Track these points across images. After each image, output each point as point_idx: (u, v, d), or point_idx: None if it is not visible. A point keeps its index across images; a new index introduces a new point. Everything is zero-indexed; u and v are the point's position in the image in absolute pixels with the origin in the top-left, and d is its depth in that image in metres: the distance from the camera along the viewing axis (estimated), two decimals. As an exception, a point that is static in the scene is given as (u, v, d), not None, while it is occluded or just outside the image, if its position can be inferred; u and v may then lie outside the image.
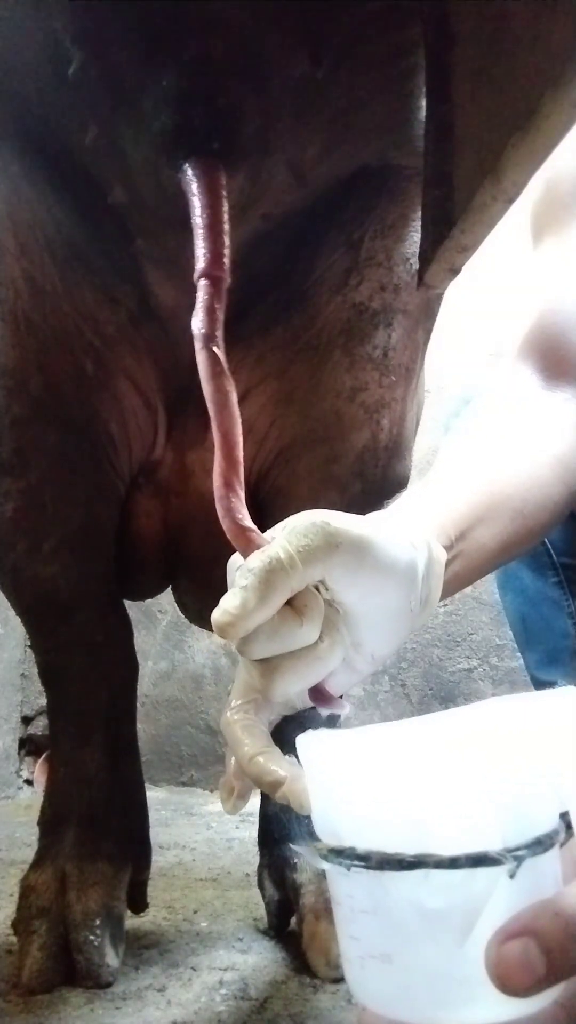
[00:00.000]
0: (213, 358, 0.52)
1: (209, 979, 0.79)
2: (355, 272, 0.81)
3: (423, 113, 0.64)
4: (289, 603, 0.49)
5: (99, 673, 0.90)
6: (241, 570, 0.48)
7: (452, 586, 0.63)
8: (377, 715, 2.01)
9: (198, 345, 0.53)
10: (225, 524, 0.51)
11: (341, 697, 0.53)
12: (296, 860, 0.87)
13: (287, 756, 0.45)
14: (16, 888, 0.85)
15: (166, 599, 1.71)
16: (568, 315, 0.82)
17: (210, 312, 0.53)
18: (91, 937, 0.78)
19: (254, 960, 0.84)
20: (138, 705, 0.99)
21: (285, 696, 0.50)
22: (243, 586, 0.47)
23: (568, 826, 0.35)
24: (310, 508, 0.53)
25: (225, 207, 0.56)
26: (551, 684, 1.30)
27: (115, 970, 0.78)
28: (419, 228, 0.66)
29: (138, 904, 0.92)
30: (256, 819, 0.96)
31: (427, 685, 2.04)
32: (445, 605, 0.64)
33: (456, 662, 2.03)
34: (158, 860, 1.06)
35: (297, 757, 0.41)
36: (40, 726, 2.09)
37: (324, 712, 0.51)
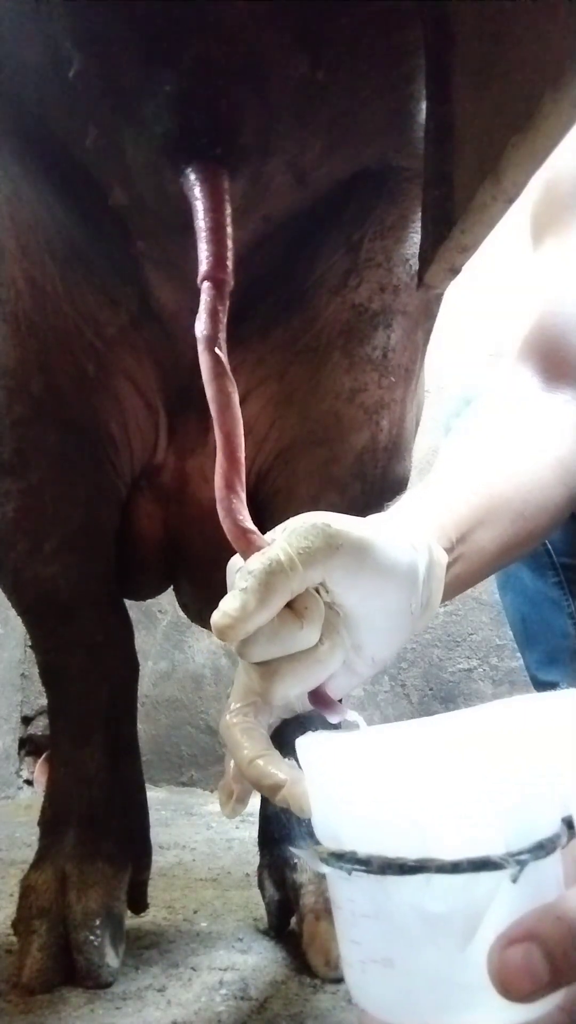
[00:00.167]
0: (216, 360, 0.52)
1: (209, 979, 0.79)
2: (355, 273, 0.81)
3: (423, 115, 0.64)
4: (289, 605, 0.49)
5: (99, 673, 0.90)
6: (241, 572, 0.48)
7: (453, 588, 0.62)
8: (377, 715, 2.01)
9: (201, 347, 0.53)
10: (226, 525, 0.51)
11: (341, 700, 0.53)
12: (296, 860, 0.87)
13: (287, 759, 0.45)
14: (16, 888, 0.85)
15: (166, 599, 1.72)
16: (568, 316, 0.81)
17: (213, 315, 0.53)
18: (91, 937, 0.78)
19: (254, 960, 0.84)
20: (138, 705, 0.99)
21: (285, 699, 0.50)
22: (243, 588, 0.47)
23: (570, 829, 0.35)
24: (310, 509, 0.53)
25: (228, 210, 0.56)
26: (551, 684, 1.31)
27: (115, 970, 0.78)
28: (419, 229, 0.66)
29: (138, 904, 0.92)
30: (256, 819, 0.96)
31: (427, 685, 2.03)
32: (445, 606, 0.65)
33: (456, 662, 2.03)
34: (158, 860, 1.06)
35: (297, 760, 0.41)
36: (40, 726, 2.09)
37: (334, 720, 0.51)
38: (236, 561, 0.53)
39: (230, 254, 0.55)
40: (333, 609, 0.51)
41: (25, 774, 2.08)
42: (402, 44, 0.63)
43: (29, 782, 2.06)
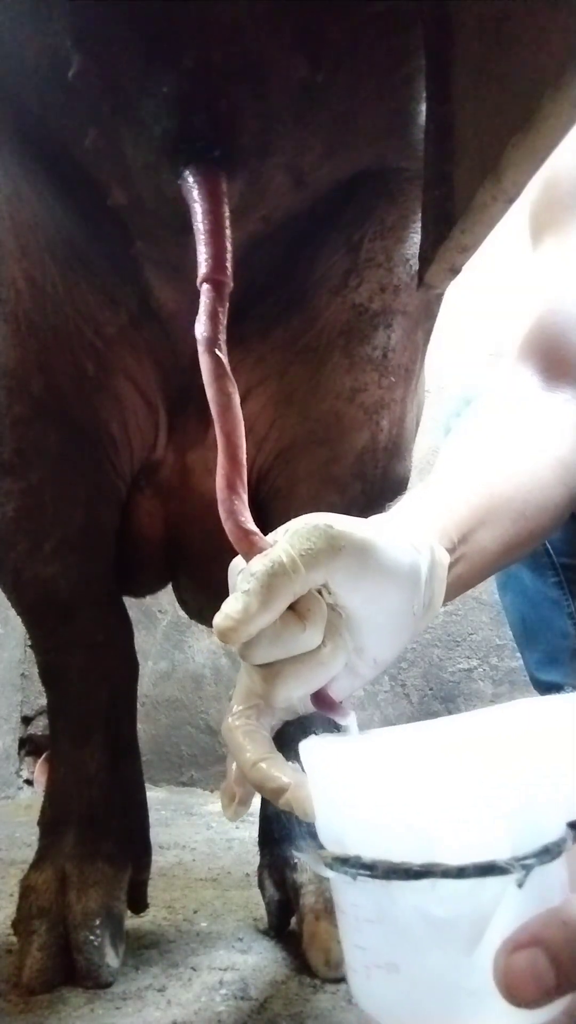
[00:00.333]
0: (216, 361, 0.53)
1: (209, 979, 0.79)
2: (355, 273, 0.81)
3: (423, 117, 0.64)
4: (291, 607, 0.49)
5: (99, 673, 0.90)
6: (243, 574, 0.48)
7: (454, 589, 0.62)
8: (377, 715, 2.01)
9: (201, 349, 0.53)
10: (228, 527, 0.51)
11: (342, 703, 0.53)
12: (296, 860, 0.87)
13: (290, 762, 0.45)
14: (16, 888, 0.85)
15: (166, 599, 1.71)
16: (568, 315, 0.81)
17: (213, 316, 0.53)
18: (91, 937, 0.78)
19: (254, 960, 0.84)
20: (138, 705, 0.99)
21: (287, 701, 0.50)
22: (245, 590, 0.47)
23: (576, 833, 0.35)
24: (310, 509, 0.53)
25: (226, 212, 0.56)
26: (551, 684, 1.31)
27: (115, 970, 0.78)
28: (419, 229, 0.66)
29: (138, 904, 0.92)
30: (256, 819, 0.96)
31: (427, 685, 2.04)
32: (445, 606, 0.64)
33: (456, 662, 2.03)
34: (158, 860, 1.06)
35: (299, 763, 0.41)
36: (40, 726, 2.09)
37: (343, 722, 0.51)
38: (238, 563, 0.52)
39: (229, 255, 0.55)
40: (335, 611, 0.51)
41: (25, 774, 2.08)
42: (402, 46, 0.63)
43: (29, 782, 2.06)
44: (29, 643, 1.94)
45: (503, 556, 0.69)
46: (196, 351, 0.54)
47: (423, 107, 0.64)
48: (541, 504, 0.71)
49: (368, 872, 0.34)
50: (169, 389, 0.87)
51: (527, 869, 0.32)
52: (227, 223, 0.56)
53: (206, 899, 1.07)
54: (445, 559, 0.59)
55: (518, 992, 0.31)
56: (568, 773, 0.34)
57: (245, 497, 0.51)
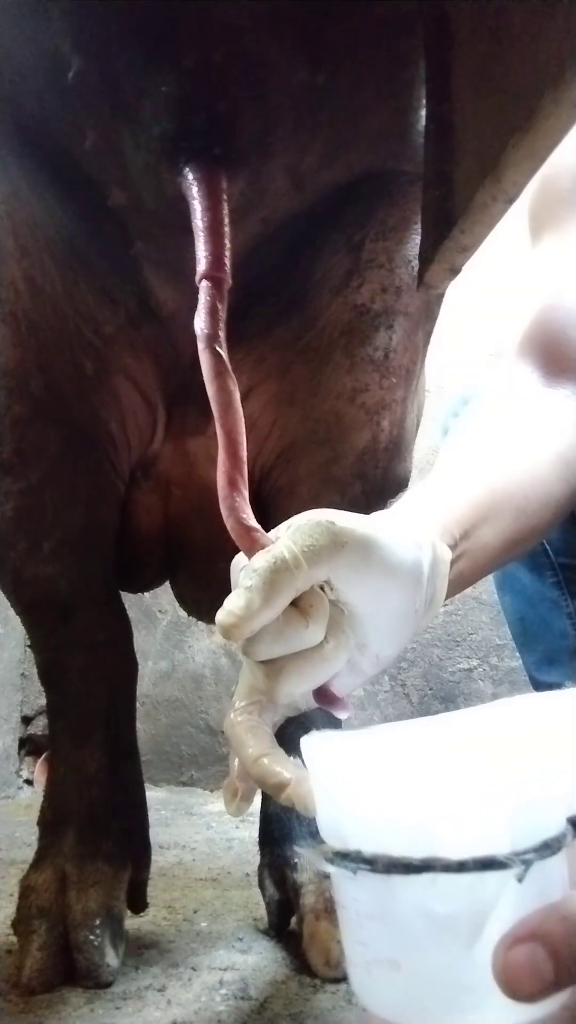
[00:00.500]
0: (216, 358, 0.53)
1: (209, 979, 0.79)
2: (356, 274, 0.81)
3: (423, 121, 0.64)
4: (294, 604, 0.49)
5: (99, 673, 0.90)
6: (245, 570, 0.48)
7: (456, 586, 0.63)
8: (377, 715, 2.01)
9: (201, 346, 0.53)
10: (229, 524, 0.51)
11: (344, 699, 0.53)
12: (296, 860, 0.87)
13: (291, 758, 0.45)
14: (16, 888, 0.85)
15: (166, 599, 1.71)
16: (567, 312, 0.82)
17: (212, 313, 0.53)
18: (91, 937, 0.78)
19: (254, 960, 0.84)
20: (138, 705, 0.99)
21: (290, 697, 0.50)
22: (247, 587, 0.47)
23: (575, 828, 0.35)
24: (311, 509, 0.53)
25: (226, 209, 0.56)
26: (550, 684, 1.31)
27: (115, 970, 0.78)
28: (420, 230, 0.66)
29: (138, 904, 0.92)
30: (256, 819, 0.96)
31: (427, 685, 2.04)
32: (445, 605, 0.65)
33: (456, 662, 2.03)
34: (158, 860, 1.06)
35: (301, 758, 0.41)
36: (40, 726, 2.09)
37: (342, 715, 0.51)
38: (240, 559, 0.53)
39: (228, 253, 0.55)
40: (338, 607, 0.51)
41: (25, 774, 2.07)
42: (402, 51, 0.63)
43: (29, 782, 2.06)
44: (29, 643, 1.93)
45: (504, 552, 0.69)
46: (196, 351, 0.54)
47: (423, 111, 0.64)
48: (542, 500, 0.71)
49: (368, 867, 0.34)
50: (169, 388, 0.87)
51: (527, 864, 0.32)
52: (226, 221, 0.56)
53: (206, 899, 1.07)
54: (447, 555, 0.59)
55: (517, 986, 0.31)
56: (568, 768, 0.34)
57: (246, 494, 0.52)
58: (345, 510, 0.54)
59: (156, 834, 1.00)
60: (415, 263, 0.79)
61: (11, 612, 0.96)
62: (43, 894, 0.81)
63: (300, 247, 0.80)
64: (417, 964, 0.34)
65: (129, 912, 0.88)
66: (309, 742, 0.40)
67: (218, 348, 0.53)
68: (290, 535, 0.49)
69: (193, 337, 0.54)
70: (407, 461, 0.91)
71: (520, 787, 0.34)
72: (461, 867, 0.32)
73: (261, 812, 0.95)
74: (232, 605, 0.47)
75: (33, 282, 0.80)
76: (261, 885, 0.92)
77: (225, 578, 0.55)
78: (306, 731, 0.41)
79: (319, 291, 0.82)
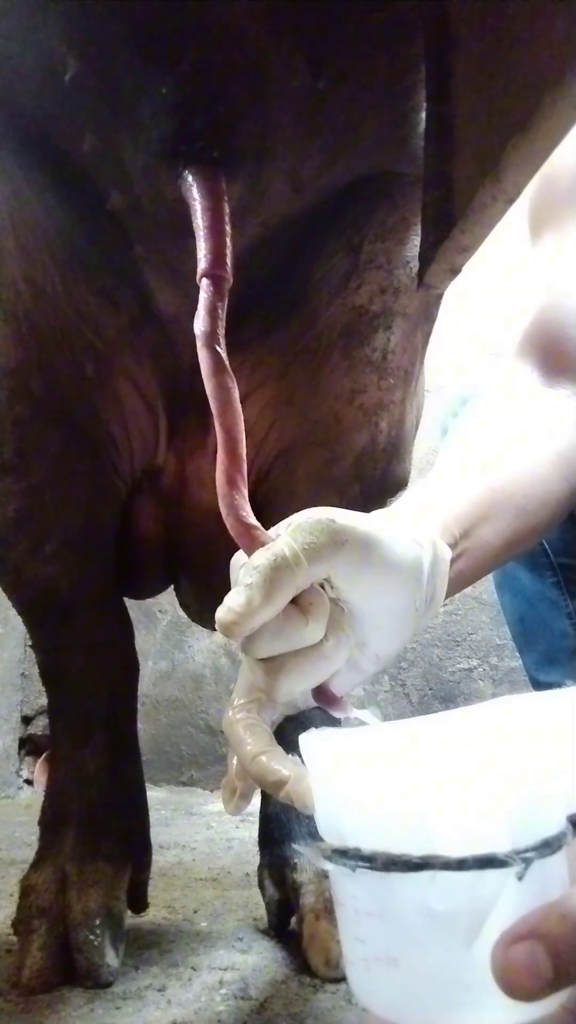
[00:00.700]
0: (215, 356, 0.53)
1: (209, 979, 0.79)
2: (355, 275, 0.81)
3: (423, 125, 0.64)
4: (294, 601, 0.49)
5: (99, 673, 0.90)
6: (245, 568, 0.48)
7: (456, 585, 0.63)
8: (377, 715, 2.01)
9: (200, 343, 0.53)
10: (229, 522, 0.51)
11: (343, 698, 0.53)
12: (296, 860, 0.87)
13: (290, 756, 0.45)
14: (16, 888, 0.85)
15: (166, 599, 1.71)
16: (567, 311, 0.82)
17: (212, 311, 0.53)
18: (91, 937, 0.78)
19: (254, 960, 0.84)
20: (138, 705, 0.99)
21: (290, 696, 0.50)
22: (248, 584, 0.47)
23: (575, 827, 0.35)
24: (310, 509, 0.53)
25: (226, 209, 0.56)
26: (550, 684, 1.30)
27: (115, 970, 0.78)
28: (419, 231, 0.66)
29: (138, 904, 0.92)
30: (256, 819, 0.96)
31: (427, 685, 2.04)
32: (445, 605, 0.65)
33: (456, 662, 2.03)
34: (158, 860, 1.06)
35: (300, 757, 0.41)
36: (40, 726, 2.09)
37: (340, 714, 0.51)
38: (240, 557, 0.53)
39: (229, 252, 0.55)
40: (338, 605, 0.51)
41: (25, 774, 2.08)
42: (403, 57, 0.63)
43: (29, 782, 2.06)
44: (29, 643, 1.94)
45: (504, 551, 0.69)
46: (196, 354, 0.54)
47: (423, 113, 0.64)
48: (542, 499, 0.71)
49: (367, 864, 0.34)
50: (169, 391, 0.87)
51: (527, 862, 0.32)
52: (227, 220, 0.56)
53: (206, 899, 1.07)
54: (447, 554, 0.59)
55: (516, 985, 0.31)
56: (568, 767, 0.34)
57: (245, 492, 0.52)
58: None
59: (156, 834, 1.00)
60: (414, 264, 0.79)
61: (11, 612, 0.96)
62: (43, 894, 0.81)
63: (299, 249, 0.80)
64: (416, 962, 0.34)
65: (129, 912, 0.88)
66: (308, 740, 0.39)
67: (217, 347, 0.53)
68: (290, 533, 0.49)
69: (193, 341, 0.54)
70: (406, 462, 0.91)
71: (520, 785, 0.34)
72: (461, 865, 0.32)
73: (261, 812, 0.95)
74: (232, 602, 0.47)
75: (34, 283, 0.80)
76: (261, 885, 0.93)
77: (227, 586, 0.55)
78: (305, 730, 0.41)
79: (318, 292, 0.82)
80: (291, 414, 0.86)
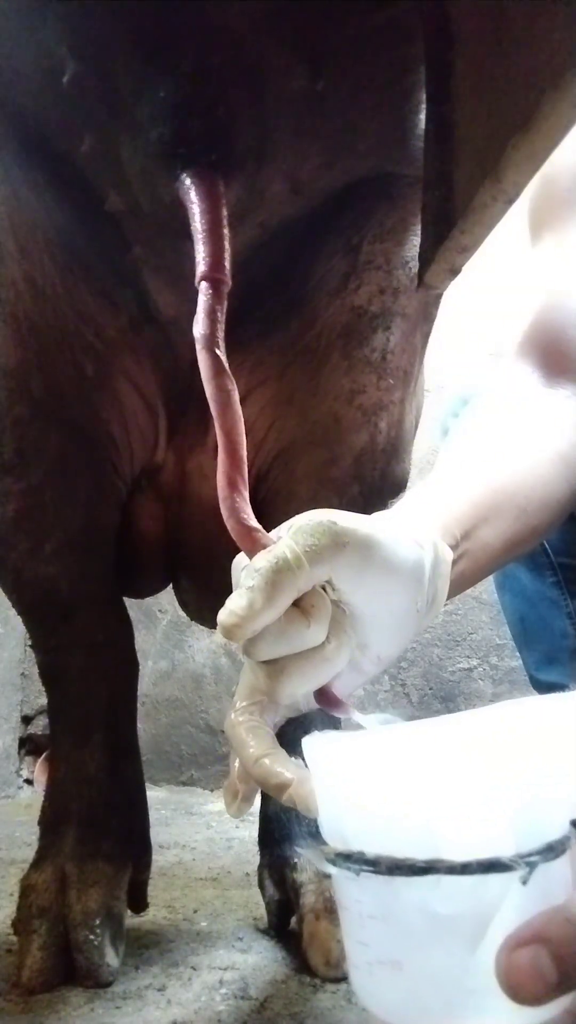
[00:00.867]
0: (215, 359, 0.53)
1: (209, 979, 0.78)
2: (354, 276, 0.81)
3: (422, 127, 0.64)
4: (295, 604, 0.49)
5: (99, 673, 0.90)
6: (247, 570, 0.48)
7: (457, 586, 0.63)
8: (384, 719, 2.01)
9: (199, 346, 0.53)
10: (230, 524, 0.51)
11: (345, 699, 0.53)
12: (296, 860, 0.87)
13: (293, 758, 0.45)
14: (16, 888, 0.84)
15: (166, 599, 1.71)
16: (567, 312, 0.82)
17: (211, 314, 0.53)
18: (91, 936, 0.78)
19: (254, 960, 0.84)
20: (138, 705, 0.99)
21: (291, 698, 0.50)
22: (249, 587, 0.47)
23: (579, 831, 0.35)
24: (310, 510, 0.53)
25: (224, 211, 0.56)
26: (550, 684, 1.31)
27: (115, 970, 0.78)
28: (418, 232, 0.66)
29: (138, 904, 0.92)
30: (256, 818, 0.96)
31: (427, 685, 2.04)
32: (445, 605, 0.65)
33: (456, 662, 2.03)
34: (158, 860, 1.06)
35: (302, 759, 0.41)
36: (40, 726, 2.09)
37: (342, 716, 0.51)
38: (241, 559, 0.53)
39: (227, 255, 0.55)
40: (339, 607, 0.51)
41: (25, 773, 2.07)
42: (402, 59, 0.63)
43: (29, 781, 2.06)
44: (29, 643, 1.94)
45: (505, 553, 0.69)
46: (196, 355, 0.54)
47: (423, 117, 0.64)
48: (543, 500, 0.71)
49: (371, 868, 0.34)
50: (169, 392, 0.87)
51: (531, 866, 0.32)
52: (225, 222, 0.56)
53: (206, 899, 1.07)
54: (449, 555, 0.59)
55: (520, 989, 0.31)
56: (572, 771, 0.34)
57: (246, 494, 0.52)
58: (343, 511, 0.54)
59: (156, 834, 1.00)
60: (413, 265, 0.79)
61: (11, 612, 0.96)
62: (43, 894, 0.81)
63: (298, 250, 0.80)
64: (419, 965, 0.34)
65: (129, 912, 0.88)
66: (311, 742, 0.40)
67: (216, 350, 0.53)
68: (292, 535, 0.49)
69: (193, 342, 0.54)
70: (405, 462, 0.91)
71: (524, 789, 0.34)
72: (465, 869, 0.32)
73: (261, 812, 0.95)
74: (234, 605, 0.47)
75: (34, 283, 0.80)
76: (261, 885, 0.93)
77: (227, 585, 0.55)
78: (307, 732, 0.41)
79: (317, 293, 0.82)
80: (291, 414, 0.86)
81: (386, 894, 0.34)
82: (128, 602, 0.99)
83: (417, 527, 0.58)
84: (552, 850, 0.33)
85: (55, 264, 0.79)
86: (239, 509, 0.51)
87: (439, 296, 0.84)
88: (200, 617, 1.13)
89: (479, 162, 0.50)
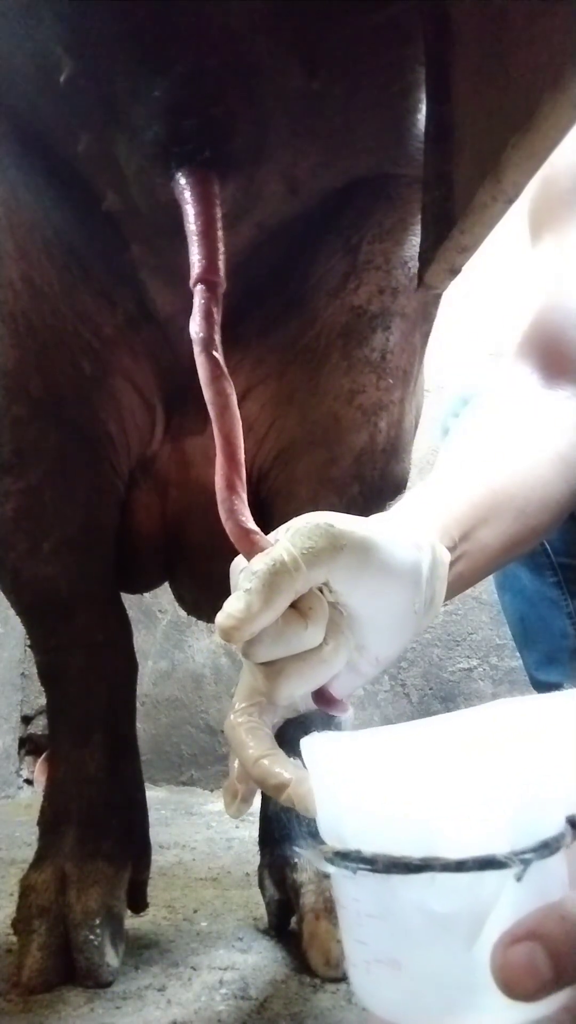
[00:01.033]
0: (212, 362, 0.53)
1: (209, 979, 0.79)
2: (353, 276, 0.81)
3: (421, 127, 0.64)
4: (293, 606, 0.49)
5: (99, 673, 0.90)
6: (245, 573, 0.48)
7: (456, 587, 0.63)
8: (377, 715, 2.01)
9: (197, 349, 0.53)
10: (228, 527, 0.51)
11: (343, 700, 0.53)
12: (296, 860, 0.87)
13: (291, 759, 0.45)
14: (16, 888, 0.84)
15: (166, 599, 1.71)
16: (567, 312, 0.81)
17: (207, 316, 0.53)
18: (91, 936, 0.78)
19: (254, 960, 0.84)
20: (138, 705, 0.99)
21: (290, 699, 0.50)
22: (247, 589, 0.47)
23: (574, 828, 0.35)
24: (309, 510, 0.53)
25: (218, 213, 0.56)
26: (550, 684, 1.31)
27: (115, 970, 0.78)
28: (417, 232, 0.66)
29: (138, 904, 0.92)
30: (256, 818, 0.96)
31: (427, 685, 2.04)
32: (445, 605, 0.65)
33: (456, 662, 2.03)
34: (158, 860, 1.06)
35: (301, 759, 0.41)
36: (40, 726, 2.09)
37: (340, 715, 0.51)
38: (239, 562, 0.53)
39: (222, 256, 0.55)
40: (337, 609, 0.51)
41: (25, 773, 2.08)
42: (400, 58, 0.63)
43: (29, 781, 2.06)
44: (29, 643, 1.94)
45: (504, 554, 0.69)
46: (194, 354, 0.54)
47: (421, 117, 0.64)
48: (542, 501, 0.71)
49: (368, 866, 0.34)
50: (167, 390, 0.87)
51: (526, 864, 0.32)
52: (219, 224, 0.56)
53: (206, 899, 1.07)
54: (446, 557, 0.59)
55: (515, 985, 0.31)
56: (568, 769, 0.34)
57: (245, 496, 0.52)
58: (343, 511, 0.54)
59: (156, 834, 1.00)
60: (412, 265, 0.79)
61: (11, 612, 0.96)
62: (43, 894, 0.81)
63: (297, 249, 0.80)
64: (417, 963, 0.34)
65: (129, 912, 0.88)
66: (309, 743, 0.40)
67: (214, 352, 0.53)
68: (289, 537, 0.49)
69: (190, 340, 0.54)
70: (405, 462, 0.91)
71: (520, 787, 0.34)
72: (460, 866, 0.32)
73: (261, 812, 0.95)
74: (232, 608, 0.47)
75: (32, 283, 0.80)
76: (261, 885, 0.93)
77: (224, 578, 0.55)
78: (306, 732, 0.41)
79: (316, 293, 0.82)
80: (291, 413, 0.86)
81: (383, 892, 0.34)
82: (128, 602, 0.99)
83: (415, 529, 0.58)
84: (547, 847, 0.33)
85: (53, 264, 0.79)
86: (237, 511, 0.51)
87: (439, 296, 0.84)
88: (197, 611, 1.13)
89: (479, 162, 0.51)
